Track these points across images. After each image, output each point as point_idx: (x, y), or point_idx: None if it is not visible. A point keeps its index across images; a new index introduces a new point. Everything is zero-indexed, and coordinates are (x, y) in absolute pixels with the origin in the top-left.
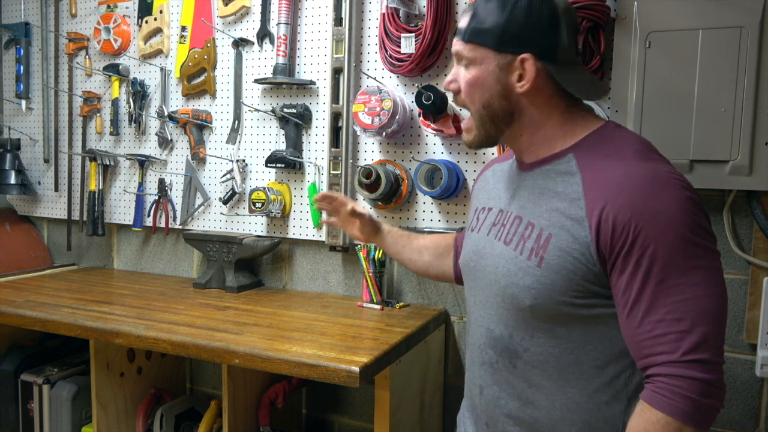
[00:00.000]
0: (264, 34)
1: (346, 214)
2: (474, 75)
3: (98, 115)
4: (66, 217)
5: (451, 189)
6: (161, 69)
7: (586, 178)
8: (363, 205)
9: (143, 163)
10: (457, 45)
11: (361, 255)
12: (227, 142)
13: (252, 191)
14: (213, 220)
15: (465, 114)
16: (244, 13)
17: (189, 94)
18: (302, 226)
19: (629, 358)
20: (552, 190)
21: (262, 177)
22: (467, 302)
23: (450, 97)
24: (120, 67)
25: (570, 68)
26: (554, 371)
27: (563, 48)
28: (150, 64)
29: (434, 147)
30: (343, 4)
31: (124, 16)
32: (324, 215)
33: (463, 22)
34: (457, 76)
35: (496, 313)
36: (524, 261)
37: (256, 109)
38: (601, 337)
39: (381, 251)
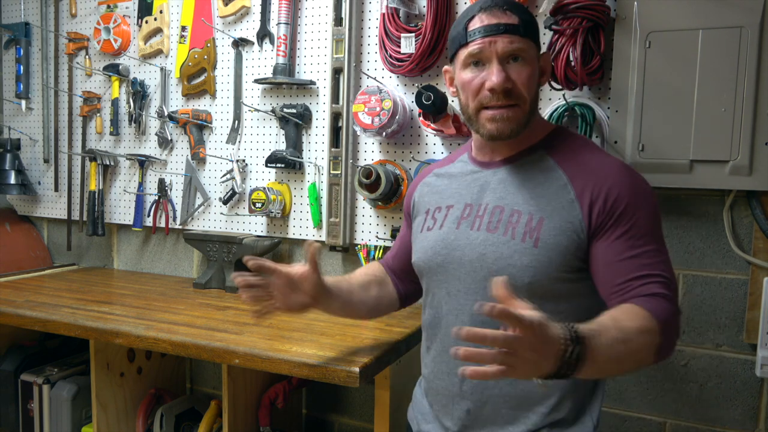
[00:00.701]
0: (264, 34)
1: (285, 283)
2: (532, 68)
3: (98, 115)
4: (66, 217)
5: None
6: (161, 69)
7: (567, 169)
8: (363, 205)
9: (143, 163)
10: (515, 41)
11: (361, 255)
12: (227, 142)
13: (252, 191)
14: (213, 220)
15: None
16: (244, 13)
17: (189, 94)
18: (302, 226)
19: None
20: (533, 181)
21: (262, 177)
22: (435, 296)
23: (449, 98)
24: (120, 67)
25: None
26: None
27: None
28: (150, 64)
29: (434, 147)
30: (343, 4)
31: (124, 16)
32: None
33: (508, 18)
34: (507, 72)
35: (483, 297)
36: (518, 244)
37: (256, 109)
38: (579, 308)
39: (381, 251)
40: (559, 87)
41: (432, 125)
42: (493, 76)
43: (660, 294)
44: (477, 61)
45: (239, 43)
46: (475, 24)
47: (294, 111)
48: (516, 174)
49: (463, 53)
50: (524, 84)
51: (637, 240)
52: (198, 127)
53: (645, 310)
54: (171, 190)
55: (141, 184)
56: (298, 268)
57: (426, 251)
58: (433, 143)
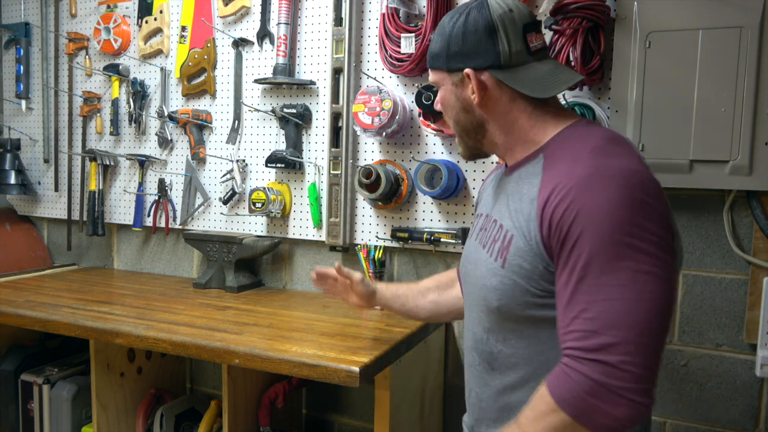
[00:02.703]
0: (264, 34)
1: (343, 285)
2: (441, 95)
3: (98, 115)
4: (66, 217)
5: (451, 189)
6: (161, 69)
7: (545, 177)
8: (363, 205)
9: (143, 163)
10: (429, 72)
11: (361, 255)
12: (227, 142)
13: (252, 191)
14: (213, 220)
15: None
16: (244, 13)
17: (189, 94)
18: (302, 226)
19: None
20: (520, 192)
21: (262, 177)
22: (464, 306)
23: None
24: (120, 67)
25: (521, 69)
26: (526, 374)
27: (506, 53)
28: (150, 64)
29: (434, 147)
30: (343, 4)
31: (124, 16)
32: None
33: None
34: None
35: (477, 316)
36: (493, 262)
37: (256, 109)
38: None
39: (381, 251)
40: None
41: (432, 125)
42: None
43: (571, 356)
44: None
45: (239, 43)
46: None
47: (294, 111)
48: (514, 183)
49: None
50: (442, 109)
51: (574, 272)
52: (198, 127)
53: (544, 386)
54: (171, 190)
55: (141, 184)
56: (342, 278)
57: (461, 261)
58: (433, 143)
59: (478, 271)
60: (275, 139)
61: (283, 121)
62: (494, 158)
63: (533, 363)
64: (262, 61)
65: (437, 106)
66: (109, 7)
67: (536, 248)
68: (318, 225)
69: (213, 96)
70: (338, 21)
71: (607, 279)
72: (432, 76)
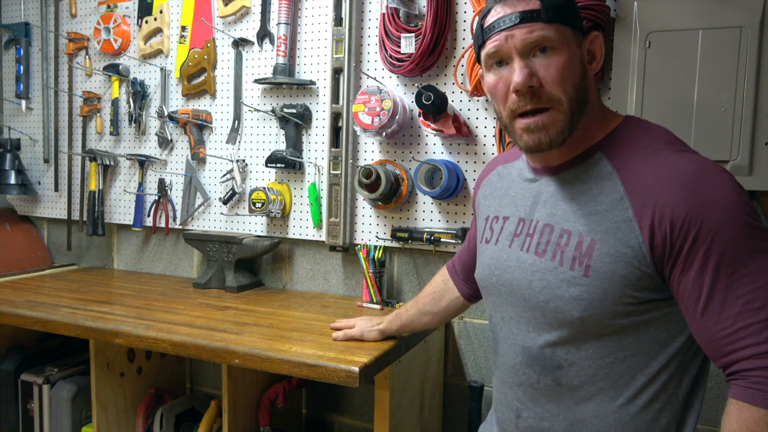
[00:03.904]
0: (264, 34)
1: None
2: (565, 59)
3: (98, 115)
4: (66, 217)
5: (451, 189)
6: (161, 69)
7: (625, 177)
8: (363, 205)
9: (143, 163)
10: (536, 30)
11: (361, 255)
12: (227, 142)
13: (252, 191)
14: (213, 220)
15: (464, 114)
16: (244, 13)
17: (189, 94)
18: (302, 226)
19: (677, 363)
20: (587, 194)
21: (262, 177)
22: (491, 319)
23: (453, 97)
24: (120, 67)
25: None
26: (604, 383)
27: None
28: (150, 64)
29: (434, 147)
30: (343, 4)
31: (124, 16)
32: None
33: (525, 4)
34: (534, 68)
35: (534, 328)
36: (566, 271)
37: (256, 109)
38: (652, 342)
39: (381, 251)
40: None
41: (432, 125)
42: (514, 74)
43: (759, 354)
44: (500, 61)
45: (239, 43)
46: (491, 18)
47: (294, 111)
48: (569, 184)
49: (483, 55)
50: (554, 80)
51: (725, 269)
52: (198, 127)
53: (761, 408)
54: (171, 190)
55: (141, 184)
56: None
57: (483, 269)
58: (433, 143)
59: (535, 282)
60: (275, 139)
61: (283, 121)
62: (489, 156)
63: (614, 372)
64: (262, 61)
65: (534, 81)
66: (109, 7)
67: (637, 252)
68: (318, 225)
69: (213, 96)
70: (338, 21)
71: (757, 264)
72: (554, 33)
